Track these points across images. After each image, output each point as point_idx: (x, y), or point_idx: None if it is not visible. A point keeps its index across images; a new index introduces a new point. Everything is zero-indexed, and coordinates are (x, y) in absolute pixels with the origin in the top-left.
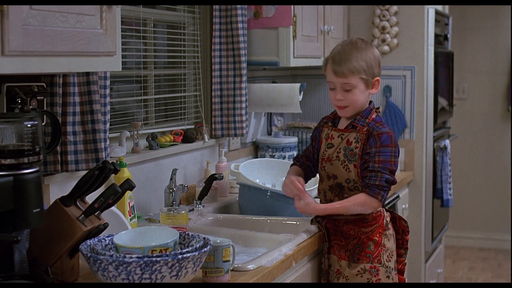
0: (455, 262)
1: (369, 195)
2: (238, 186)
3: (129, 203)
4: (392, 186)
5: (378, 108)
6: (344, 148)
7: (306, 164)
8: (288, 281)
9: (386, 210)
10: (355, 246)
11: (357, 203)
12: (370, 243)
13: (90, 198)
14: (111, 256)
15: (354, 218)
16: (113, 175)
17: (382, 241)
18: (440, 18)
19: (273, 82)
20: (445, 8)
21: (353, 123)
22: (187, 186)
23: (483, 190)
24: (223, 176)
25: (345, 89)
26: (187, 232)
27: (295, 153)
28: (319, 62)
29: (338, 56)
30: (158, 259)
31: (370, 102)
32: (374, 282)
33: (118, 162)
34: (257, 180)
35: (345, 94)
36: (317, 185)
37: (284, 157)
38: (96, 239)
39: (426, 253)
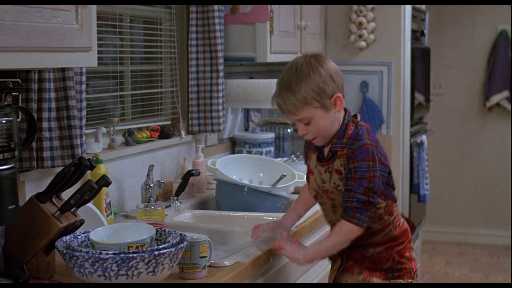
0: (432, 257)
1: (344, 219)
2: (215, 182)
3: (105, 199)
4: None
5: (355, 117)
6: (340, 178)
7: None
8: (266, 276)
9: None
10: (393, 266)
11: (336, 234)
12: (404, 260)
13: (66, 194)
14: (87, 252)
15: (384, 240)
16: (89, 171)
17: (412, 255)
18: (416, 14)
19: (250, 78)
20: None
21: (332, 149)
22: (164, 182)
23: (459, 185)
24: (200, 172)
25: (303, 123)
26: (163, 228)
27: (272, 149)
28: None
29: (279, 92)
30: (135, 255)
31: (346, 111)
32: None
33: (94, 158)
34: (234, 176)
35: (307, 127)
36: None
37: (261, 153)
38: (72, 236)
39: None
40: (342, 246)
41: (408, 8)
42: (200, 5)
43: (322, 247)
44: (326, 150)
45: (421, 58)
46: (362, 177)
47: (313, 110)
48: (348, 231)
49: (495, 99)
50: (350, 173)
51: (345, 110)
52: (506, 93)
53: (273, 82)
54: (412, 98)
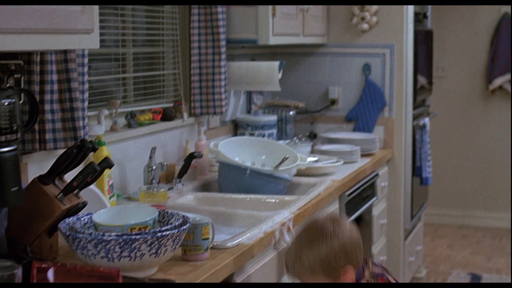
0: (434, 240)
1: None
2: (218, 164)
3: (108, 181)
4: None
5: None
6: None
7: None
8: (267, 259)
9: None
10: None
11: None
12: None
13: (69, 176)
14: (90, 234)
15: None
16: (91, 153)
17: None
18: None
19: (252, 60)
20: None
21: None
22: (166, 164)
23: (462, 168)
24: (202, 154)
25: None
26: (166, 210)
27: (274, 131)
28: (298, 40)
29: (290, 252)
30: (137, 237)
31: (366, 262)
32: None
33: (97, 141)
34: (237, 159)
35: None
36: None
37: (264, 135)
38: (75, 218)
39: (405, 231)
40: None
41: None
42: (202, 5)
43: None
44: None
45: (423, 41)
46: None
47: (319, 279)
48: None
49: (498, 82)
50: None
51: (365, 261)
52: (508, 76)
53: (275, 64)
54: (415, 80)
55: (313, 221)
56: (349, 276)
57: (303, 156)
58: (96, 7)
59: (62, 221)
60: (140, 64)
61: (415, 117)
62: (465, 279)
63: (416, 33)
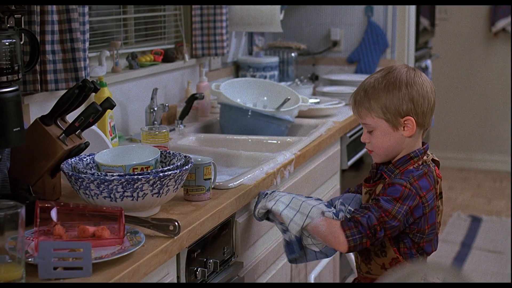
0: None
1: (341, 226)
2: (219, 106)
3: (109, 123)
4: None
5: (422, 157)
6: None
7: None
8: None
9: None
10: None
11: (324, 225)
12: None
13: (71, 117)
14: (93, 174)
15: None
16: (93, 95)
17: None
18: None
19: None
20: None
21: (382, 172)
22: (168, 106)
23: (463, 111)
24: (204, 95)
25: (368, 130)
26: (168, 151)
27: (276, 73)
28: None
29: (358, 89)
30: (140, 177)
31: (424, 143)
32: None
33: (98, 82)
34: (238, 100)
35: (369, 136)
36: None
37: (265, 77)
38: (77, 158)
39: None
40: (321, 238)
41: None
42: (204, 5)
43: (311, 223)
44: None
45: None
46: (384, 208)
47: (378, 120)
48: (335, 236)
49: (500, 24)
50: (375, 200)
51: (424, 144)
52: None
53: (277, 5)
54: (417, 22)
55: (391, 66)
56: (411, 128)
57: (305, 98)
58: None
59: (65, 162)
60: (140, 5)
61: (417, 59)
62: (465, 221)
63: None
